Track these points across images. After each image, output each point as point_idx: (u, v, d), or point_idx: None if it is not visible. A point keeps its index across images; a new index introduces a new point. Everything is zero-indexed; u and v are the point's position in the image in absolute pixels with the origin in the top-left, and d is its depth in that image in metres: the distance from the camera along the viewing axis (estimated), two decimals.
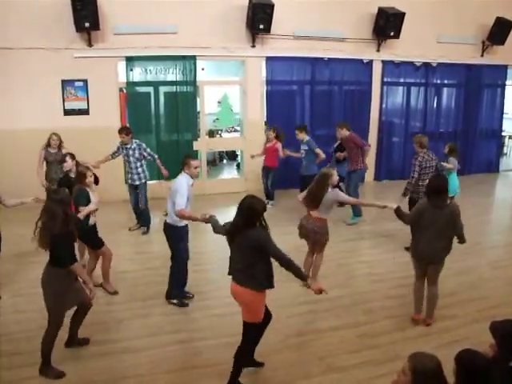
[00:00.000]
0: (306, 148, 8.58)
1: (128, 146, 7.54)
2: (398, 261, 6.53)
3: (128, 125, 9.70)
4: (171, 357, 4.36)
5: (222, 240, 6.73)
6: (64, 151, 6.98)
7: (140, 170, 7.65)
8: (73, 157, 6.32)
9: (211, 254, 6.97)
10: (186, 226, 5.28)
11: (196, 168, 5.17)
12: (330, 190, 5.47)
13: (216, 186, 10.44)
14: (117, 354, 4.41)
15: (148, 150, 7.73)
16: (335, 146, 9.16)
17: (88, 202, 5.17)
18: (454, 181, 7.41)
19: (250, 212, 3.70)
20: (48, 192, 5.91)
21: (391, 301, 5.42)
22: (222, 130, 12.66)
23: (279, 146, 9.02)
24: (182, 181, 5.04)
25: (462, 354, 2.63)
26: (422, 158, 6.81)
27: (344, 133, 8.29)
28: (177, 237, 5.21)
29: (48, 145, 7.43)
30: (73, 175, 6.27)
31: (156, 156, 7.84)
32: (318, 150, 8.49)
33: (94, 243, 5.50)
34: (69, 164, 6.20)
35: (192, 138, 10.07)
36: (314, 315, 5.16)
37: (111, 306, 5.33)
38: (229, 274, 3.93)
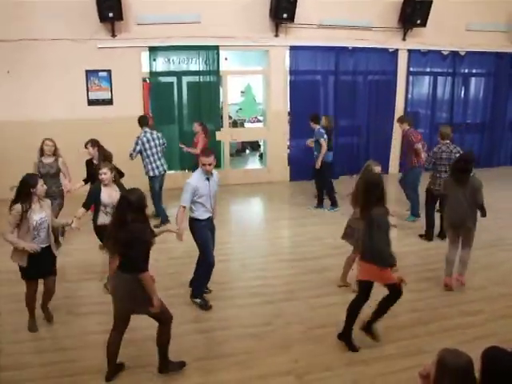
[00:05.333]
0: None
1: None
2: (422, 254, 6.44)
3: (151, 114, 9.79)
4: (194, 346, 4.39)
5: (241, 231, 6.77)
6: (60, 160, 6.60)
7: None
8: (94, 144, 6.44)
9: (232, 244, 6.99)
10: (208, 219, 5.10)
11: (204, 165, 4.86)
12: None
13: (239, 177, 10.43)
14: (140, 341, 4.44)
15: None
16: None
17: (96, 200, 5.16)
18: None
19: None
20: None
21: (415, 294, 5.32)
22: (245, 120, 12.64)
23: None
24: (192, 177, 4.98)
25: (488, 352, 2.51)
26: (438, 148, 6.79)
27: (404, 127, 8.00)
28: (197, 229, 5.08)
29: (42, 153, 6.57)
30: (95, 161, 6.37)
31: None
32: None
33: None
34: (90, 151, 6.40)
35: (215, 128, 10.08)
36: (336, 307, 5.10)
37: None
38: None
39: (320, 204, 8.59)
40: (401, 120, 8.17)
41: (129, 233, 3.60)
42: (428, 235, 7.03)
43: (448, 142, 6.77)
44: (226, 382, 3.95)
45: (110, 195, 5.13)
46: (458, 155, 6.50)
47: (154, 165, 7.57)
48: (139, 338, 4.50)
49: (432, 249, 6.69)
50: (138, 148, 7.47)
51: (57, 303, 4.99)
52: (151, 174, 7.60)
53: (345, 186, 9.77)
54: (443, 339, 4.35)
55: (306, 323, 4.77)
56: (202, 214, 5.03)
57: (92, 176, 6.47)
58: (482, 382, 2.47)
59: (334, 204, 8.50)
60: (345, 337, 4.39)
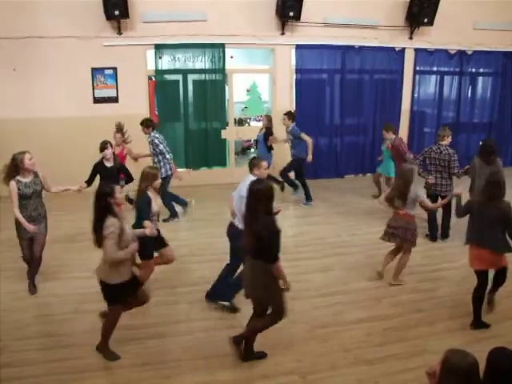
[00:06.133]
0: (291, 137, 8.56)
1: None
2: (427, 254, 6.40)
3: (157, 113, 9.80)
4: (198, 344, 4.38)
5: None
6: (40, 174, 5.31)
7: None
8: (111, 145, 6.30)
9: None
10: None
11: (266, 169, 5.03)
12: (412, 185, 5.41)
13: (244, 175, 10.38)
14: (144, 339, 4.45)
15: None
16: (262, 133, 9.02)
17: (149, 212, 4.80)
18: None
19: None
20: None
21: (419, 294, 5.31)
22: (250, 119, 12.62)
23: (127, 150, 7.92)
24: (248, 181, 4.75)
25: (493, 352, 2.50)
26: (429, 148, 6.89)
27: (390, 136, 8.06)
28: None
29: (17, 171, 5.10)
30: (108, 164, 6.18)
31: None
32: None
33: (142, 251, 4.73)
34: (109, 152, 6.14)
35: (220, 127, 10.07)
36: (341, 307, 5.10)
37: None
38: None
39: (310, 198, 8.73)
40: (386, 128, 8.19)
41: (263, 225, 3.71)
42: (431, 235, 6.99)
43: (441, 143, 6.73)
44: (229, 380, 3.94)
45: (155, 202, 4.98)
46: (447, 157, 6.60)
47: (168, 166, 7.63)
48: (141, 336, 4.50)
49: (437, 249, 6.65)
50: (163, 146, 7.53)
51: (64, 299, 5.01)
52: (164, 175, 7.52)
53: (350, 185, 9.80)
54: (448, 340, 4.32)
55: (310, 322, 4.75)
56: None
57: (106, 178, 6.00)
58: (484, 382, 2.46)
59: (309, 198, 8.64)
60: (477, 323, 4.63)
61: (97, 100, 9.31)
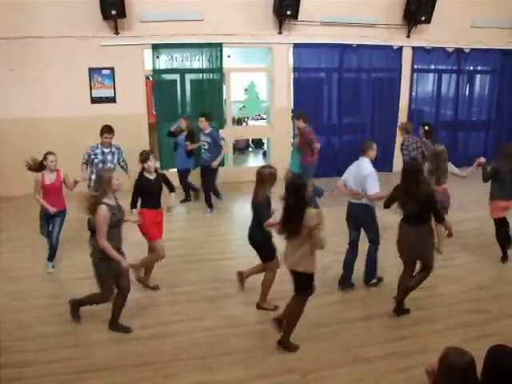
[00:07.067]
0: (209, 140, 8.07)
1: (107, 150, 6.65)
2: None
3: (154, 112, 9.77)
4: (197, 343, 4.38)
5: (247, 229, 6.67)
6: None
7: None
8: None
9: (236, 241, 6.95)
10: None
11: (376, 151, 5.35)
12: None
13: (241, 174, 10.40)
14: (143, 339, 4.44)
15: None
16: (185, 135, 8.46)
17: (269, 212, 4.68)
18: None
19: None
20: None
21: (420, 292, 5.27)
22: (248, 118, 12.63)
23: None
24: (368, 165, 5.22)
25: (492, 349, 2.49)
26: (408, 142, 7.52)
27: (299, 124, 7.86)
28: (373, 216, 5.31)
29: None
30: (151, 177, 5.29)
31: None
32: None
33: (265, 254, 4.90)
34: (152, 163, 5.27)
35: (218, 126, 10.05)
36: (342, 305, 5.11)
37: (138, 293, 5.36)
38: None
39: (211, 206, 8.22)
40: (297, 116, 8.03)
41: (428, 192, 4.63)
42: None
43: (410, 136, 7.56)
44: (229, 380, 3.94)
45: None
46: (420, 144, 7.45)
47: None
48: (144, 336, 4.50)
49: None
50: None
51: (64, 300, 4.98)
52: None
53: None
54: (448, 337, 4.33)
55: (310, 321, 4.74)
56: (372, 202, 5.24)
57: (150, 194, 5.30)
58: (482, 379, 2.46)
59: (211, 206, 8.17)
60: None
61: (94, 100, 9.29)
